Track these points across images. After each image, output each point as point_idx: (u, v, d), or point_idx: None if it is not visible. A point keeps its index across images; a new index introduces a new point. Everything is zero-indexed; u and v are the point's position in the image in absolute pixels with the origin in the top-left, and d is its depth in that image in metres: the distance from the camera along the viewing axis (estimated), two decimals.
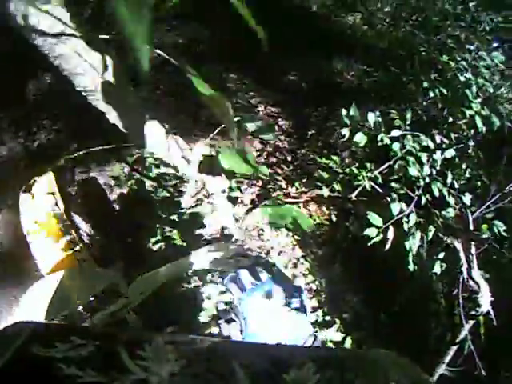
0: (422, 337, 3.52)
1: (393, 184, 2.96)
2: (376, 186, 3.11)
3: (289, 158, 4.16)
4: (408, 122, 3.06)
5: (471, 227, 2.99)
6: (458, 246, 2.97)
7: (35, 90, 4.41)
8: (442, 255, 3.11)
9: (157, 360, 0.79)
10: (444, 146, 3.18)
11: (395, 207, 2.84)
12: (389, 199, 2.92)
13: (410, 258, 3.12)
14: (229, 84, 4.62)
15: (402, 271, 3.14)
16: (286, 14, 4.73)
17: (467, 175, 3.25)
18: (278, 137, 4.27)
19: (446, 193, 3.07)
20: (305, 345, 2.08)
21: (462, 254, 2.96)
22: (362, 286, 3.68)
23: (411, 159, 2.96)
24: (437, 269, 3.13)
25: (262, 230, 3.79)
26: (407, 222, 2.89)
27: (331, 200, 3.64)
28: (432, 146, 3.10)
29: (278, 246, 3.77)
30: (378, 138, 2.95)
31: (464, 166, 3.24)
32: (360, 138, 2.94)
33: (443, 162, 3.13)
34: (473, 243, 2.97)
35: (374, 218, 2.75)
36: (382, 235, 2.77)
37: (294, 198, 3.74)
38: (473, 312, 2.97)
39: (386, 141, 2.96)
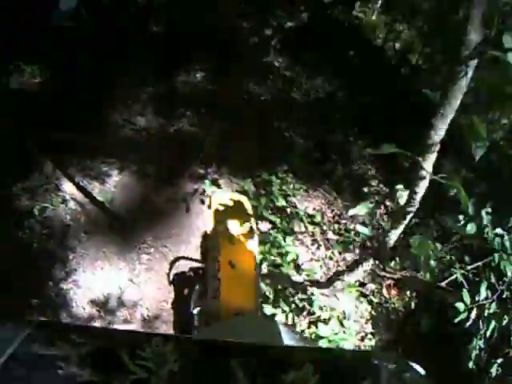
0: None
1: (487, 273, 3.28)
2: (463, 280, 3.36)
3: None
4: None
5: None
6: None
7: None
8: (500, 360, 3.43)
9: (157, 360, 0.80)
10: None
11: (483, 291, 3.17)
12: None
13: (473, 355, 3.41)
14: None
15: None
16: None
17: None
18: None
19: None
20: None
21: None
22: None
23: (505, 256, 3.28)
24: (493, 371, 3.44)
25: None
26: (489, 309, 3.19)
27: (418, 285, 3.94)
28: None
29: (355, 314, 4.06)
30: (485, 230, 3.24)
31: None
32: (471, 228, 3.26)
33: None
34: None
35: (466, 296, 3.09)
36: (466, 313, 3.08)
37: (388, 272, 4.03)
38: None
39: (491, 235, 3.25)
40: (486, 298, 3.17)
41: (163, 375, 0.77)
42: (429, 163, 2.20)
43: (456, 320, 3.07)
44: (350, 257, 4.34)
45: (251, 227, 2.80)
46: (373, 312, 4.17)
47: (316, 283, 3.79)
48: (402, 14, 5.91)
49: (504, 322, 3.20)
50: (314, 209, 4.49)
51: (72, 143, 3.88)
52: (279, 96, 4.98)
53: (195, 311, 2.71)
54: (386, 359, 0.96)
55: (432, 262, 2.98)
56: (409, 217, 2.51)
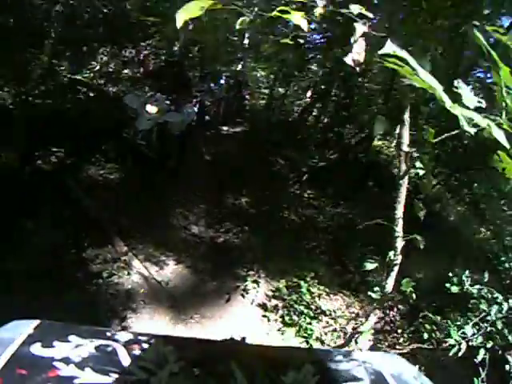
0: None
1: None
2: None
3: None
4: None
5: None
6: (511, 358, 3.74)
7: None
8: None
9: (157, 361, 0.81)
10: None
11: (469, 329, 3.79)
12: None
13: None
14: None
15: None
16: None
17: None
18: None
19: None
20: None
21: None
22: None
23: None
24: None
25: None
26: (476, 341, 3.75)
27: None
28: None
29: None
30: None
31: None
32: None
33: None
34: None
35: (454, 333, 3.75)
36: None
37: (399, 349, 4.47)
38: None
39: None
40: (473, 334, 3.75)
41: (163, 376, 0.78)
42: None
43: (451, 353, 3.64)
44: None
45: None
46: None
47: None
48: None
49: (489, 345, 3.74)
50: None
51: (140, 233, 4.85)
52: (308, 221, 5.97)
53: None
54: (386, 360, 0.98)
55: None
56: (396, 268, 3.48)
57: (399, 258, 3.58)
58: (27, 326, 0.89)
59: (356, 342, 4.13)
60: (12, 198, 4.38)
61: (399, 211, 3.42)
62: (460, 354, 3.68)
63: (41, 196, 4.64)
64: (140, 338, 0.91)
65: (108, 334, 0.90)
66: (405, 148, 3.16)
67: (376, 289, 3.99)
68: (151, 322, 4.19)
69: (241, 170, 6.26)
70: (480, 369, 3.83)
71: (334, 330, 4.79)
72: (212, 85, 7.97)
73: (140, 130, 5.73)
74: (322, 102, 8.25)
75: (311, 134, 7.72)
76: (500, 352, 3.80)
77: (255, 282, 4.95)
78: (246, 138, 7.66)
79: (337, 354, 1.04)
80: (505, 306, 3.82)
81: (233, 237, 5.52)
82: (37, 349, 0.79)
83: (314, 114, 8.58)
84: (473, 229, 7.51)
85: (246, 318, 4.58)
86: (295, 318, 4.70)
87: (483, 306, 3.91)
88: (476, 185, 8.27)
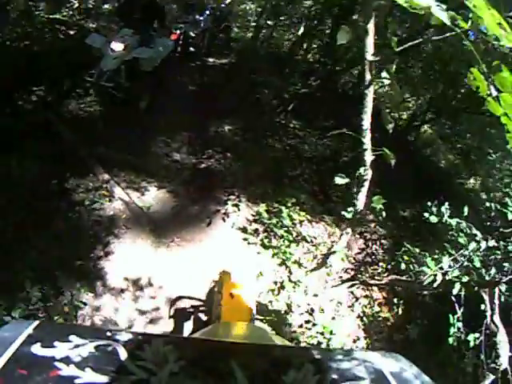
0: None
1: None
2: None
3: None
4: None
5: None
6: (486, 296, 3.78)
7: None
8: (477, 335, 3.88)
9: (156, 361, 0.81)
10: None
11: (446, 261, 3.86)
12: None
13: (452, 332, 3.93)
14: None
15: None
16: None
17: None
18: None
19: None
20: None
21: (487, 302, 3.77)
22: None
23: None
24: (472, 341, 3.89)
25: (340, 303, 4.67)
26: (452, 273, 3.86)
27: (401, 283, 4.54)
28: None
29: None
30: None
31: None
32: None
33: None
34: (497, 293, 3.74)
35: (430, 263, 3.81)
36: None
37: (377, 280, 4.67)
38: (493, 364, 3.58)
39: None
40: (450, 267, 3.83)
41: (163, 376, 0.78)
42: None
43: (425, 282, 3.70)
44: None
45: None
46: (365, 320, 4.64)
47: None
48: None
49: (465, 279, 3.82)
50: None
51: (122, 161, 4.97)
52: (292, 150, 6.03)
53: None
54: (387, 359, 0.98)
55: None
56: (366, 183, 3.61)
57: (369, 174, 3.66)
58: (27, 326, 0.88)
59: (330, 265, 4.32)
60: None
61: (366, 122, 3.42)
62: (436, 285, 3.76)
63: (24, 133, 4.64)
64: (140, 337, 0.92)
65: (108, 333, 0.91)
66: (369, 57, 3.15)
67: (350, 209, 4.14)
68: (133, 246, 4.31)
69: (225, 100, 6.26)
70: (456, 305, 4.02)
71: (315, 257, 4.95)
72: (197, 16, 7.79)
73: (105, 70, 5.17)
74: (312, 35, 8.12)
75: (299, 66, 7.66)
76: (476, 288, 3.89)
77: (236, 205, 5.06)
78: (232, 69, 7.61)
79: (337, 353, 1.06)
80: (483, 245, 3.91)
81: (215, 163, 5.59)
82: (37, 349, 0.81)
83: (304, 47, 8.45)
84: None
85: (226, 241, 4.71)
86: (275, 241, 4.85)
87: (461, 240, 4.03)
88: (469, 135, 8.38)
